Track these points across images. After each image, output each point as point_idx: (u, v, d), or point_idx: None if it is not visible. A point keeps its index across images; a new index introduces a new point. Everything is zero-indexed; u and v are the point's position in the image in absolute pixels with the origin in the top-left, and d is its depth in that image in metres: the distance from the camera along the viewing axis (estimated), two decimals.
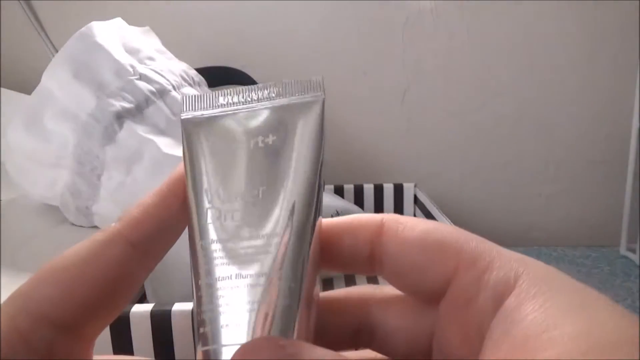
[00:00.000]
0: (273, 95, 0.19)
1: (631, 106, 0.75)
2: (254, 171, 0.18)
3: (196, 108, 0.19)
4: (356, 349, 0.19)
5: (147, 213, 0.17)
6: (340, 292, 0.19)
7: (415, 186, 0.71)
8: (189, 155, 0.18)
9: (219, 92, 0.19)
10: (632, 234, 0.75)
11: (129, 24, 0.57)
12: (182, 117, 0.19)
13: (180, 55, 0.60)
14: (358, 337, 0.18)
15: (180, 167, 0.18)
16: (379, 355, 0.19)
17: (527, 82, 0.80)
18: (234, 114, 0.19)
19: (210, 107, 0.19)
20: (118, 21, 0.55)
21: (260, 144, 0.18)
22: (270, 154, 0.18)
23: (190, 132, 0.19)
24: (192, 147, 0.19)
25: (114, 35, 0.52)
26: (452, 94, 0.82)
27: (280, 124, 0.18)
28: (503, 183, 0.84)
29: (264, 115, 0.18)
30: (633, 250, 0.75)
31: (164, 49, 0.59)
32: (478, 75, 0.81)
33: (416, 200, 0.70)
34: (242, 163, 0.18)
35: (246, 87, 0.19)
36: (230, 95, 0.19)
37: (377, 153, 0.85)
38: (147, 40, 0.57)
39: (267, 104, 0.19)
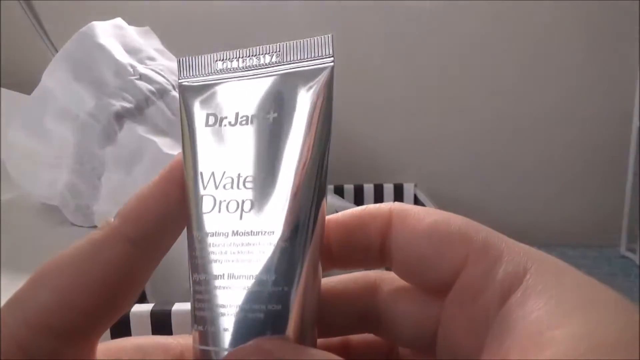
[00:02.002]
0: (276, 60, 0.16)
1: (631, 106, 0.75)
2: (251, 155, 0.16)
3: (193, 74, 0.17)
4: (361, 334, 0.19)
5: (146, 206, 0.16)
6: (347, 277, 0.18)
7: (415, 186, 0.71)
8: (182, 132, 0.17)
9: (217, 55, 0.17)
10: (632, 234, 0.75)
11: (129, 24, 0.57)
12: (179, 83, 0.17)
13: (180, 55, 0.60)
14: (364, 322, 0.18)
15: (180, 153, 0.17)
16: (382, 340, 0.18)
17: (527, 81, 0.80)
18: (232, 83, 0.17)
19: (207, 72, 0.17)
20: (118, 21, 0.55)
21: (261, 122, 0.16)
22: (270, 134, 0.16)
23: (187, 103, 0.17)
24: (184, 122, 0.17)
25: (114, 35, 0.52)
26: (452, 94, 0.82)
27: (283, 97, 0.16)
28: (503, 183, 0.84)
29: (265, 87, 0.16)
30: (633, 250, 0.75)
31: (164, 49, 0.59)
32: (478, 74, 0.81)
33: (416, 200, 0.70)
34: (238, 145, 0.16)
35: (247, 49, 0.17)
36: (230, 59, 0.17)
37: (377, 153, 0.85)
38: (147, 40, 0.57)
39: (269, 71, 0.16)
